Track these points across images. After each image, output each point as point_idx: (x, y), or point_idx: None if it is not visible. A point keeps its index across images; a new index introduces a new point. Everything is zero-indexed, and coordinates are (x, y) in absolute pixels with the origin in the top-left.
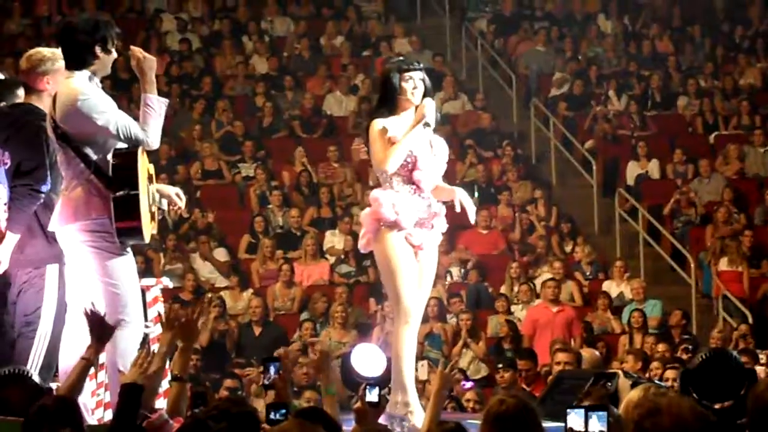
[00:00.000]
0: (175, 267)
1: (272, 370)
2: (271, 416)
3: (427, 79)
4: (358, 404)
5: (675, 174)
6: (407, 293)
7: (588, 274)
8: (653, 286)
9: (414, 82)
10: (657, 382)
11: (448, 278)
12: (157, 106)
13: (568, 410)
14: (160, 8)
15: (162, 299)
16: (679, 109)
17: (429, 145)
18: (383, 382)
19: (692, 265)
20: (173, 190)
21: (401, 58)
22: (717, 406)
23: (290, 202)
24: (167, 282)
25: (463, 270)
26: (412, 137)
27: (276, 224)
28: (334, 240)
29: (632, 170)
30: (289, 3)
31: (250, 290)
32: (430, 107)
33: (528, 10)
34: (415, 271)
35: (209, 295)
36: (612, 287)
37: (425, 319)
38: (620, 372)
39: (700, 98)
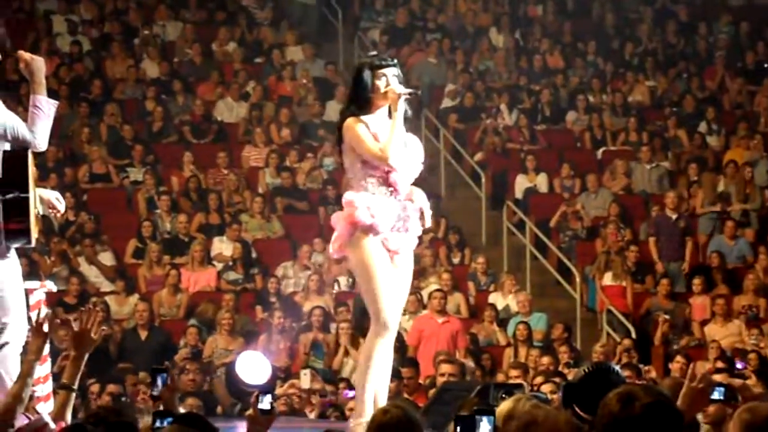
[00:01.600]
0: (60, 270)
1: (160, 380)
2: (157, 424)
3: (400, 74)
4: (251, 412)
5: (563, 188)
6: (386, 302)
7: (482, 284)
8: (539, 299)
9: (387, 79)
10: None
11: (336, 287)
12: (46, 108)
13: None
14: (50, 10)
15: (45, 303)
16: (568, 124)
17: (404, 146)
18: (268, 389)
19: (578, 279)
20: (53, 195)
21: (374, 53)
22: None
23: (178, 208)
24: (51, 285)
25: (350, 279)
26: (400, 125)
27: (164, 229)
28: (222, 247)
29: (521, 183)
30: (180, 7)
31: (136, 295)
32: (395, 85)
33: (421, 21)
34: (393, 277)
35: (94, 299)
36: (498, 299)
37: (309, 328)
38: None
39: (589, 114)
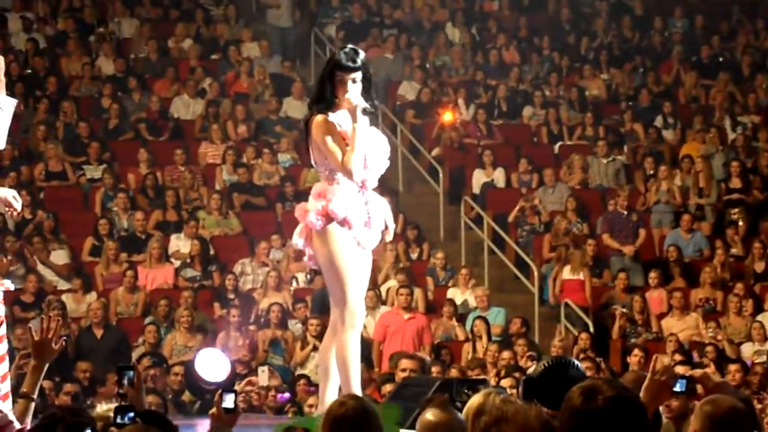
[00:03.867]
0: (16, 269)
1: (126, 378)
2: (119, 420)
3: (370, 74)
4: (214, 410)
5: (520, 183)
6: (355, 295)
7: (441, 279)
8: (497, 294)
9: (353, 84)
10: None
11: (294, 284)
12: (5, 106)
13: None
14: (5, 7)
15: (3, 301)
16: (525, 118)
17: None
18: (227, 386)
19: (535, 274)
20: (10, 193)
21: (345, 51)
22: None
23: (135, 205)
24: (8, 284)
25: (309, 276)
26: (362, 137)
27: (121, 227)
28: (180, 244)
29: (478, 178)
30: (136, 4)
31: (94, 293)
32: (354, 96)
33: (377, 17)
34: (361, 272)
35: (50, 298)
36: (457, 294)
37: (267, 325)
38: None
39: (545, 108)
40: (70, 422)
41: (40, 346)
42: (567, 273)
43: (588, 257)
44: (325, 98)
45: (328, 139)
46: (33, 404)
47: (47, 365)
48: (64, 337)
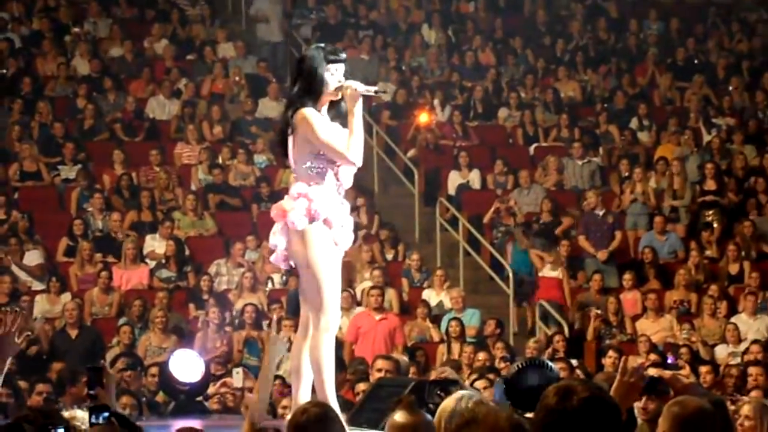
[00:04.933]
0: None
1: (95, 379)
2: (93, 419)
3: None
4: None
5: (495, 184)
6: (332, 297)
7: (416, 281)
8: (472, 296)
9: (338, 75)
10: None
11: (269, 285)
12: None
13: None
14: None
15: None
16: (500, 120)
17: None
18: (202, 387)
19: (510, 275)
20: None
21: (323, 45)
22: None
23: (110, 206)
24: None
25: (284, 277)
26: (360, 123)
27: (96, 228)
28: (155, 244)
29: (453, 180)
30: (111, 4)
31: (68, 294)
32: (354, 83)
33: (353, 18)
34: (338, 273)
35: (24, 298)
36: (432, 296)
37: (242, 326)
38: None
39: (521, 110)
40: (42, 423)
41: (1, 341)
42: (546, 271)
43: (563, 256)
44: (316, 90)
45: (323, 130)
46: None
47: (9, 360)
48: (28, 333)
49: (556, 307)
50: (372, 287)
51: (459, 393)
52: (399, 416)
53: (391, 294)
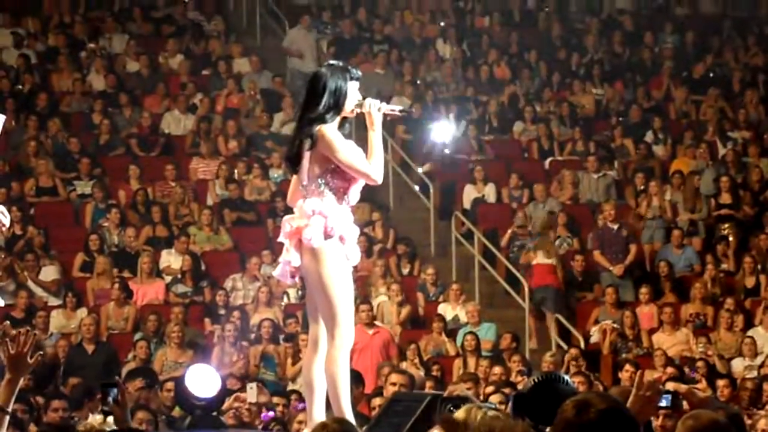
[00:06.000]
0: (6, 284)
1: (110, 395)
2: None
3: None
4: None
5: (511, 198)
6: (347, 313)
7: (431, 295)
8: (488, 310)
9: (356, 93)
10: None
11: (285, 299)
12: None
13: None
14: None
15: None
16: (516, 134)
17: None
18: (218, 402)
19: (526, 289)
20: None
21: (340, 63)
22: (548, 430)
23: (126, 221)
24: None
25: (300, 291)
26: (380, 140)
27: (111, 243)
28: (171, 259)
29: (469, 194)
30: (127, 20)
31: (84, 309)
32: (376, 102)
33: (368, 32)
34: (351, 288)
35: (41, 313)
36: (447, 310)
37: (259, 341)
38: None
39: (536, 124)
40: None
41: (15, 360)
42: (540, 258)
43: (577, 272)
44: (339, 108)
45: (345, 148)
46: (7, 418)
47: (21, 380)
48: (41, 353)
49: (552, 292)
50: (361, 302)
51: (468, 405)
52: None
53: (375, 305)
